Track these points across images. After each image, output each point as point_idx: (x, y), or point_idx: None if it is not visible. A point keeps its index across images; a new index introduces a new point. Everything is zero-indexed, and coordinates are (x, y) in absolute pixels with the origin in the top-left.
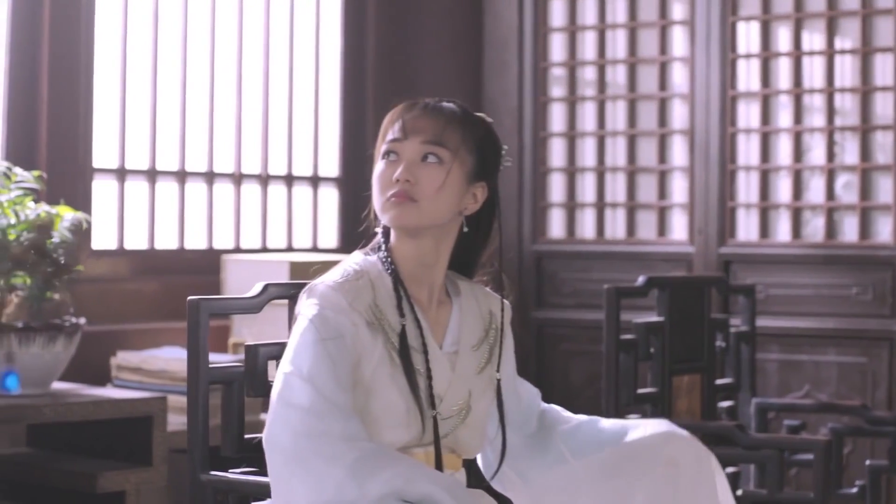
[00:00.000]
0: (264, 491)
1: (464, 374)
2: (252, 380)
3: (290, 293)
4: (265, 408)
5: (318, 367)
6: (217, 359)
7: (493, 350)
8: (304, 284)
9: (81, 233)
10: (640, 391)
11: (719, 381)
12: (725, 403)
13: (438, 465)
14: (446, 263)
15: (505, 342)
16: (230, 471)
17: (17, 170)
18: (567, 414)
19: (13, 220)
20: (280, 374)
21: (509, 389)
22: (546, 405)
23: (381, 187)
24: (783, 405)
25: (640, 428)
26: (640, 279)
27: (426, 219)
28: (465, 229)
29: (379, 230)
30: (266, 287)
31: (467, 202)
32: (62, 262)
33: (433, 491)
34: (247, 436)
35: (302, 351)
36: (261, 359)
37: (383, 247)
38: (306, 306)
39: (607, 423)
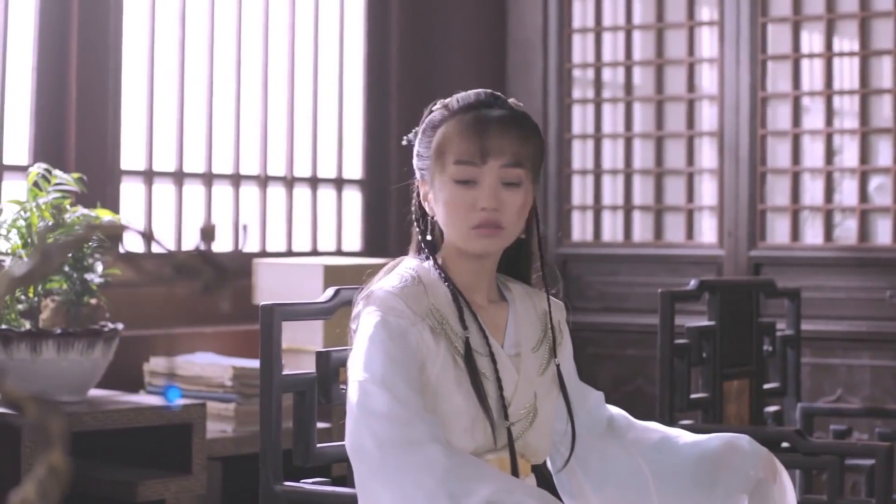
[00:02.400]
0: (342, 502)
1: (528, 377)
2: (324, 387)
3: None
4: (334, 416)
5: (391, 371)
6: (249, 364)
7: (552, 350)
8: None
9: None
10: (693, 396)
11: (766, 386)
12: (771, 408)
13: (514, 472)
14: (497, 265)
15: (563, 341)
16: (302, 481)
17: (58, 172)
18: (639, 422)
19: (52, 224)
20: (354, 382)
21: (572, 385)
22: (614, 409)
23: (461, 214)
24: (829, 410)
25: (721, 445)
26: (693, 283)
27: (508, 240)
28: (522, 235)
29: (415, 233)
30: (338, 291)
31: (528, 208)
32: (225, 267)
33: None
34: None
35: (373, 357)
36: (332, 365)
37: (432, 257)
38: (367, 313)
39: (686, 438)
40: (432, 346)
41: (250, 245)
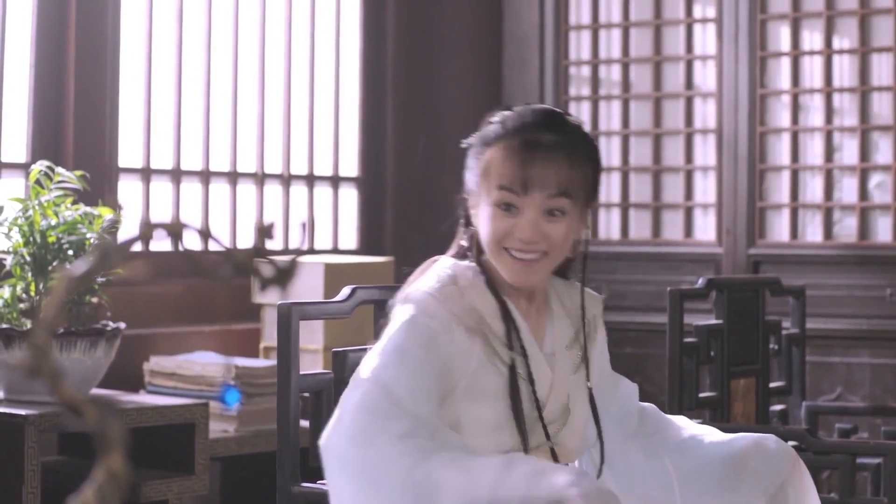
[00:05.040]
0: None
1: (562, 376)
2: (341, 387)
3: (377, 297)
4: None
5: (398, 372)
6: (251, 363)
7: (584, 347)
8: (394, 288)
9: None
10: (701, 395)
11: (771, 385)
12: (777, 407)
13: None
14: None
15: (596, 336)
16: (319, 482)
17: (60, 170)
18: (668, 418)
19: (54, 222)
20: (354, 377)
21: (604, 386)
22: (645, 404)
23: (499, 238)
24: (835, 408)
25: (747, 445)
26: (700, 281)
27: (550, 267)
28: (570, 255)
29: (458, 234)
30: (354, 290)
31: (579, 231)
32: (284, 267)
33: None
34: None
35: (385, 354)
36: (349, 365)
37: (476, 260)
38: (401, 311)
39: (713, 437)
40: (466, 347)
41: (247, 243)
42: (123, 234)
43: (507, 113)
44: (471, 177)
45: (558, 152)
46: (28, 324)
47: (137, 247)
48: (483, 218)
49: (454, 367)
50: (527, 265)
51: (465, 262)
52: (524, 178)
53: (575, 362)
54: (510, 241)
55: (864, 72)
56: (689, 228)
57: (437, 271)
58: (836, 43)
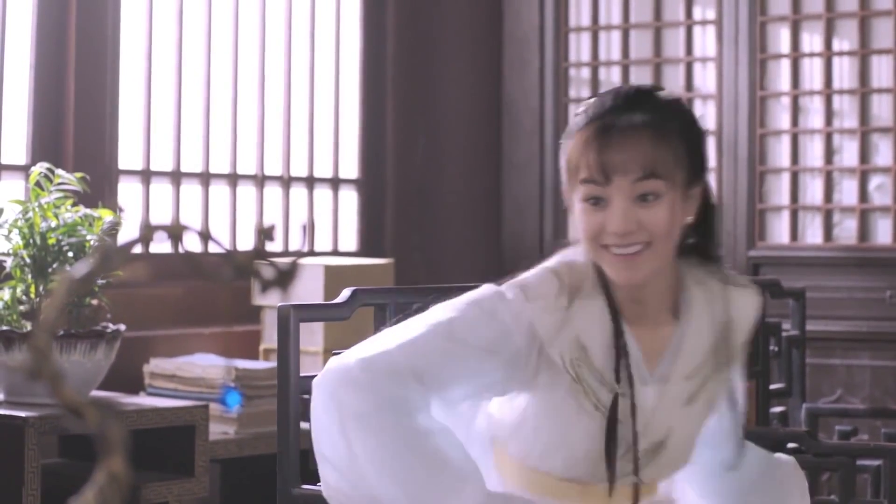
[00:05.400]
0: None
1: (668, 407)
2: None
3: (378, 299)
4: None
5: (432, 334)
6: (251, 365)
7: (713, 376)
8: (388, 290)
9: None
10: None
11: (771, 387)
12: (776, 409)
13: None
14: (669, 270)
15: (734, 361)
16: (319, 485)
17: (60, 171)
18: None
19: (54, 223)
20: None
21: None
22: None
23: (594, 235)
24: (835, 410)
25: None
26: None
27: (659, 261)
28: (691, 240)
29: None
30: (355, 293)
31: (689, 212)
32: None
33: None
34: None
35: (452, 305)
36: None
37: (594, 265)
38: (506, 286)
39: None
40: (538, 369)
41: (247, 244)
42: (124, 236)
43: (591, 100)
44: (563, 176)
45: (637, 132)
46: (28, 326)
47: (138, 249)
48: (577, 218)
49: (518, 373)
50: (629, 260)
51: (585, 262)
52: (602, 165)
53: (691, 392)
54: (606, 237)
55: (864, 73)
56: None
57: (552, 268)
58: (836, 45)
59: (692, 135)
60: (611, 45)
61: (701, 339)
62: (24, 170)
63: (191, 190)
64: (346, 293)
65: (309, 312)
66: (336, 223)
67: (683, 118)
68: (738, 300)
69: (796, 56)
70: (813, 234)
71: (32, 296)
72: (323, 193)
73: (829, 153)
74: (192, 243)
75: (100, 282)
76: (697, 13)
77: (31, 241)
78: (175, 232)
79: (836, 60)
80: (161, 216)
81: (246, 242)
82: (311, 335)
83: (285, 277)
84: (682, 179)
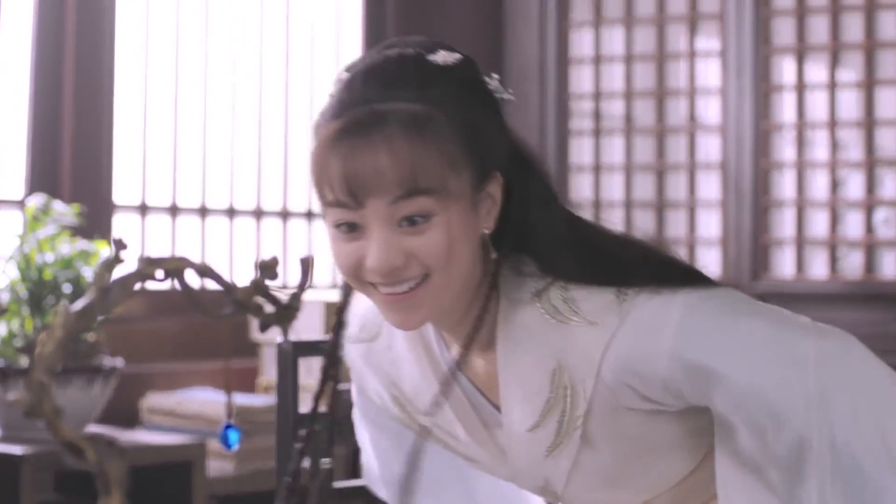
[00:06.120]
0: None
1: (525, 464)
2: (341, 428)
3: None
4: None
5: None
6: (249, 401)
7: (568, 422)
8: None
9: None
10: None
11: None
12: None
13: None
14: (479, 292)
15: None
16: None
17: (57, 204)
18: None
19: (49, 255)
20: None
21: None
22: None
23: (352, 272)
24: None
25: None
26: None
27: (447, 294)
28: (494, 255)
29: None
30: None
31: (484, 217)
32: (286, 302)
33: None
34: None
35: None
36: (348, 404)
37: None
38: None
39: None
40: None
41: (245, 280)
42: (123, 271)
43: (343, 75)
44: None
45: (390, 131)
46: (25, 360)
47: (138, 285)
48: (330, 246)
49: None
50: (402, 301)
51: None
52: (349, 184)
53: (551, 440)
54: (368, 274)
55: (869, 105)
56: (692, 264)
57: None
58: (844, 76)
59: (477, 113)
60: (614, 78)
61: (527, 388)
62: (21, 204)
63: (188, 221)
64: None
65: (310, 349)
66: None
67: (462, 94)
68: (576, 338)
69: (801, 87)
70: (818, 267)
71: (28, 331)
72: (321, 227)
73: (835, 186)
74: (190, 279)
75: (99, 318)
76: (701, 43)
77: (27, 275)
78: (175, 267)
79: (841, 91)
80: (158, 250)
81: (244, 277)
82: (311, 370)
83: (286, 315)
84: (468, 181)
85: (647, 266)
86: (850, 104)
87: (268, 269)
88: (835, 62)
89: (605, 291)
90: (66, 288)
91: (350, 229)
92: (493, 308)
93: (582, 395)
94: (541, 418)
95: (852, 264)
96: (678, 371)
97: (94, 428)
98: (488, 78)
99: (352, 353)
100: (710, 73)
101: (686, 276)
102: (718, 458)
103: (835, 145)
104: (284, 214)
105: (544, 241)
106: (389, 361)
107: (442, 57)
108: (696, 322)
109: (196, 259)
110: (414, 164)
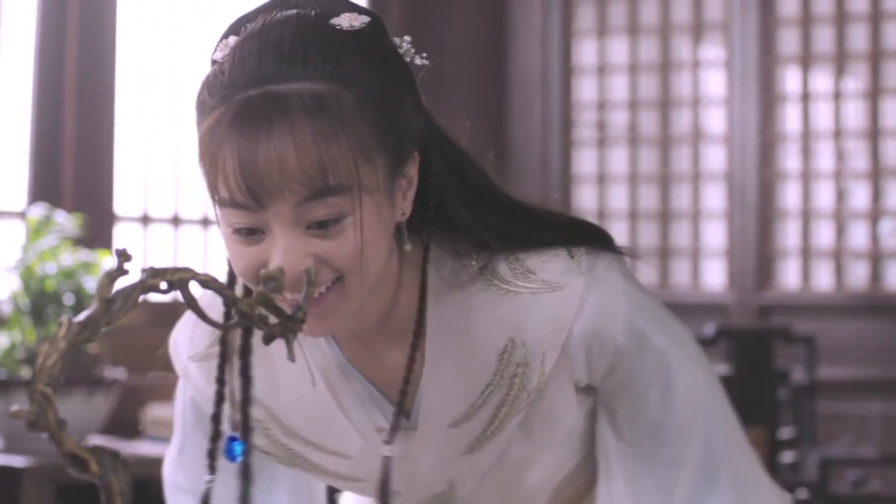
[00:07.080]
0: None
1: (435, 464)
2: None
3: None
4: None
5: None
6: None
7: (510, 407)
8: None
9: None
10: None
11: (781, 435)
12: (787, 455)
13: None
14: (392, 286)
15: (541, 382)
16: None
17: (60, 214)
18: None
19: (51, 265)
20: None
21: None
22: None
23: (252, 277)
24: (848, 459)
25: None
26: (710, 329)
27: (360, 294)
28: (409, 247)
29: None
30: None
31: (400, 203)
32: (291, 314)
33: None
34: None
35: None
36: None
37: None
38: None
39: None
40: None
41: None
42: (126, 282)
43: (231, 39)
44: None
45: (289, 121)
46: (26, 372)
47: (143, 297)
48: (225, 247)
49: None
50: (312, 307)
51: None
52: (248, 185)
53: (471, 441)
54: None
55: (874, 114)
56: (696, 275)
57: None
58: (849, 85)
59: (391, 87)
60: (618, 87)
61: (462, 376)
62: (22, 215)
63: (190, 230)
64: None
65: None
66: None
67: (374, 65)
68: (537, 306)
69: (806, 97)
70: (823, 278)
71: (30, 342)
72: None
73: (840, 196)
74: (194, 289)
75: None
76: (705, 53)
77: (29, 285)
78: (179, 278)
79: (846, 101)
80: (159, 261)
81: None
82: None
83: (290, 327)
84: (383, 169)
85: (573, 224)
86: (854, 114)
87: (274, 281)
88: (839, 72)
89: (558, 254)
90: (68, 299)
91: (249, 233)
92: (413, 295)
93: (537, 371)
94: (471, 409)
95: (858, 275)
96: (629, 337)
97: (95, 439)
98: (398, 40)
99: (192, 372)
100: (714, 82)
101: (597, 234)
102: (600, 434)
103: (839, 155)
104: None
105: (472, 213)
106: (261, 378)
107: (347, 20)
108: (633, 290)
109: (199, 270)
110: (322, 160)
